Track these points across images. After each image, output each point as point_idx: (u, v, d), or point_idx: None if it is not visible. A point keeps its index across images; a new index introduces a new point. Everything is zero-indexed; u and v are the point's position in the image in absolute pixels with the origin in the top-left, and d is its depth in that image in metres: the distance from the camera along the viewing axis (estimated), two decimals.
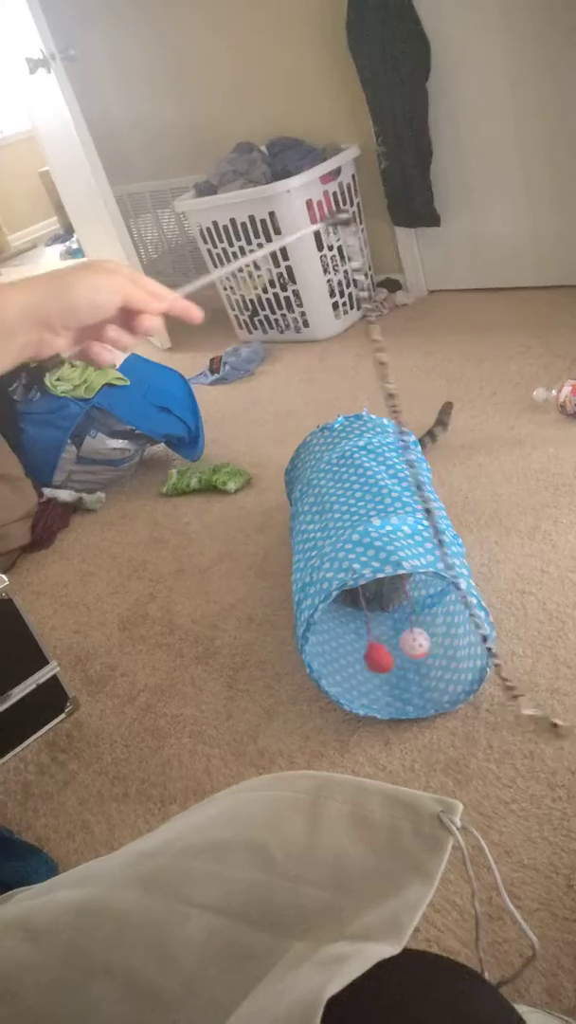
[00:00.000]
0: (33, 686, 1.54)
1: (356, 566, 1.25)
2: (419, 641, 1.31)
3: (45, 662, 1.56)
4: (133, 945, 0.50)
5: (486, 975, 0.49)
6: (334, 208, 2.86)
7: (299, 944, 0.47)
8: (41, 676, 1.55)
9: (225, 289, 3.19)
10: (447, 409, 2.16)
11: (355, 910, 0.48)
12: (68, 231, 5.80)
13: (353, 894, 0.49)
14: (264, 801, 0.57)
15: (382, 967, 0.43)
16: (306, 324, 3.04)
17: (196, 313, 0.62)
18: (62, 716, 1.61)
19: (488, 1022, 0.43)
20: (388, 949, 0.44)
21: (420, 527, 1.34)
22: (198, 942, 0.49)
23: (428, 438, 2.09)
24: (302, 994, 0.41)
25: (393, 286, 3.17)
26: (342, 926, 0.47)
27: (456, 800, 0.50)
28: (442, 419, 2.15)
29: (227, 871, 0.52)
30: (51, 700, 1.59)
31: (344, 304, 3.05)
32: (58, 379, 2.35)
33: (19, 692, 1.53)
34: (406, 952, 0.45)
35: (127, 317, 0.60)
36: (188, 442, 2.42)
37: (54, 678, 1.57)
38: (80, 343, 0.61)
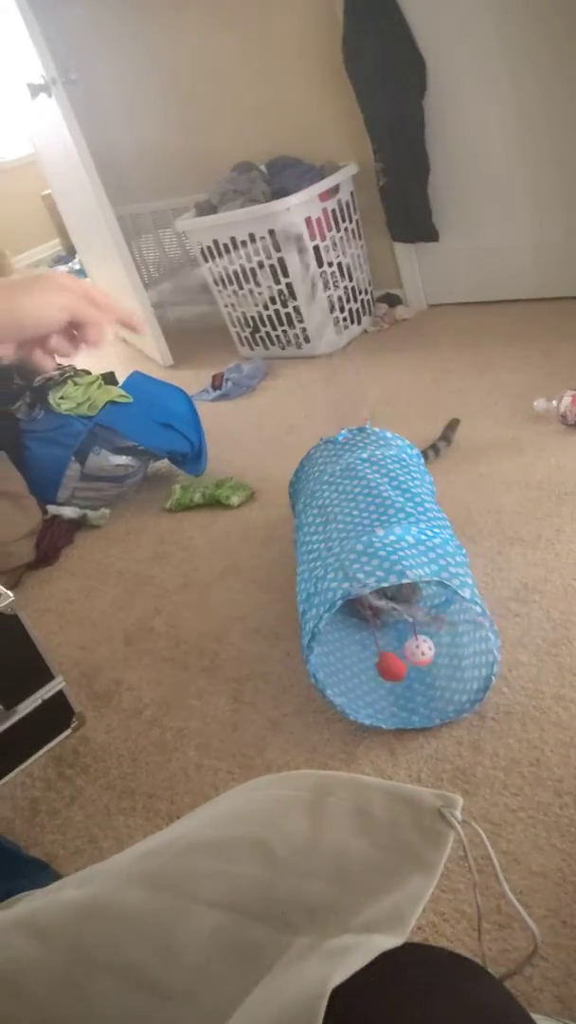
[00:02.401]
0: (39, 702, 1.55)
1: (360, 576, 1.26)
2: (422, 649, 1.32)
3: (51, 677, 1.56)
4: (138, 942, 0.50)
5: (490, 970, 0.49)
6: (327, 227, 2.89)
7: (303, 938, 0.48)
8: (47, 691, 1.56)
9: (226, 307, 3.22)
10: (453, 425, 2.17)
11: (358, 904, 0.49)
12: (70, 253, 5.86)
13: (356, 888, 0.50)
14: (267, 800, 0.57)
15: (386, 958, 0.43)
16: (307, 340, 3.06)
17: (139, 324, 0.68)
18: (68, 731, 1.61)
19: (490, 1011, 0.44)
20: (392, 940, 0.45)
21: (423, 537, 1.35)
22: (203, 938, 0.49)
23: (431, 451, 2.11)
24: (307, 985, 0.41)
25: (393, 301, 3.20)
26: (346, 919, 0.48)
27: (456, 795, 0.51)
28: (447, 434, 2.16)
29: (231, 868, 0.52)
30: (57, 715, 1.59)
31: (344, 319, 3.07)
32: (62, 397, 2.37)
33: (25, 708, 1.53)
34: (410, 944, 0.45)
35: (73, 327, 0.64)
36: (191, 458, 2.44)
37: (60, 693, 1.58)
38: (22, 350, 0.63)
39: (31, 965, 0.51)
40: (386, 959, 0.43)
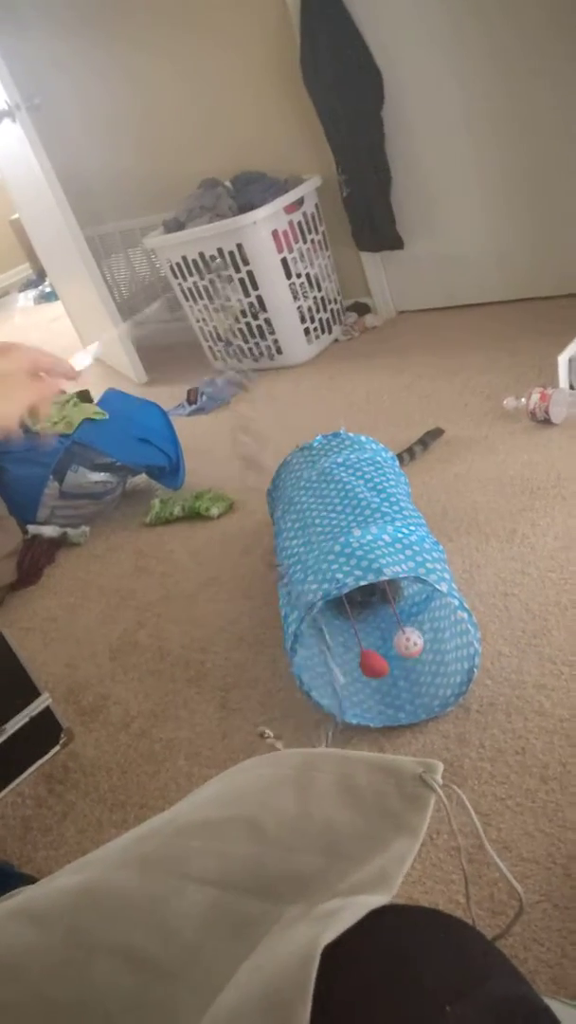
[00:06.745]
0: (26, 719, 1.54)
1: (339, 576, 1.27)
2: (413, 639, 1.33)
3: (37, 694, 1.56)
4: (133, 922, 0.52)
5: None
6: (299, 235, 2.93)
7: (294, 908, 0.49)
8: (34, 709, 1.55)
9: (198, 321, 3.24)
10: (435, 434, 2.19)
11: (346, 871, 0.50)
12: (41, 276, 5.87)
13: (343, 857, 0.51)
14: (255, 779, 0.59)
15: (374, 917, 0.45)
16: (279, 351, 3.09)
17: (73, 373, 0.76)
18: (57, 748, 1.61)
19: (479, 964, 0.45)
20: (378, 899, 0.46)
21: (400, 535, 1.37)
22: (196, 915, 0.51)
23: (406, 454, 2.13)
24: (298, 948, 0.43)
25: (362, 309, 3.24)
26: (334, 886, 0.49)
27: (436, 761, 0.52)
28: (425, 440, 2.18)
29: (222, 846, 0.54)
30: (45, 732, 1.59)
31: (316, 329, 3.11)
32: None
33: (13, 726, 1.53)
34: (396, 905, 0.47)
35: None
36: (169, 472, 2.45)
37: (47, 710, 1.57)
38: None
39: (29, 950, 0.52)
40: (374, 918, 0.45)
